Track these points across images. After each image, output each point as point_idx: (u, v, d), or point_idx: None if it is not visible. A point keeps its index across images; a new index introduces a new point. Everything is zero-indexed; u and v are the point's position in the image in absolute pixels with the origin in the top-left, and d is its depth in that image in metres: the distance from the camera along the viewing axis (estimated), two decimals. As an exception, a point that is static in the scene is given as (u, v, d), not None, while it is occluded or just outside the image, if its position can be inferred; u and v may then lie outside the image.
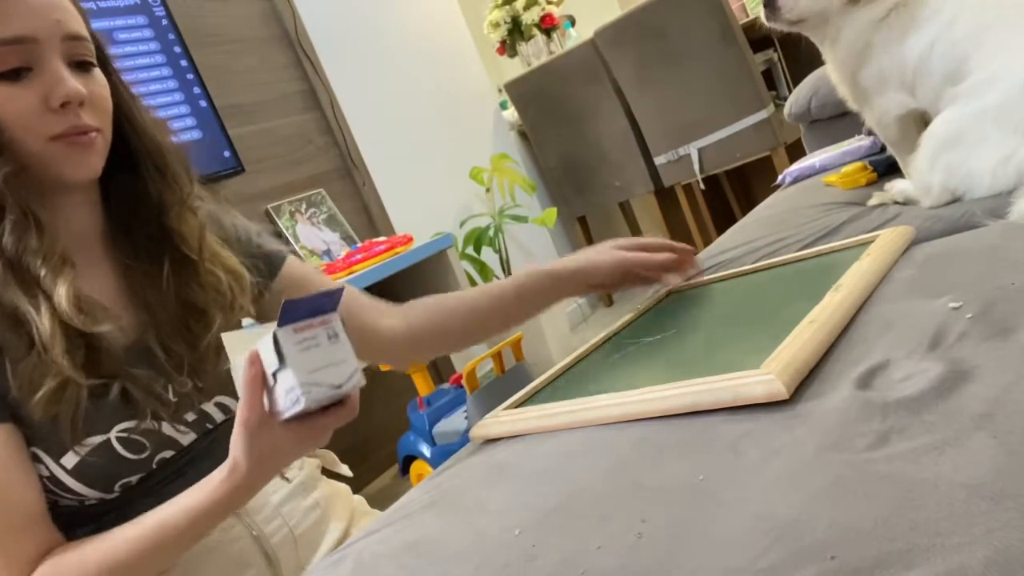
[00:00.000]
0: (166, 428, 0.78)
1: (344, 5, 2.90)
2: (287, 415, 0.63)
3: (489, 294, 1.05)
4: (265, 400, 0.64)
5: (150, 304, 0.80)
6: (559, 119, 3.30)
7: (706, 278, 1.07)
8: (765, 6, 1.20)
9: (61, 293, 0.70)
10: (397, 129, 2.96)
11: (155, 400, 0.77)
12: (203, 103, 2.22)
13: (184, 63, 2.20)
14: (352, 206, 2.70)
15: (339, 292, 0.63)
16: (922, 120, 1.17)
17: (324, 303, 0.62)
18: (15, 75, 0.70)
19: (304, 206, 2.50)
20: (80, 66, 0.75)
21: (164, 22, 2.17)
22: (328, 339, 0.62)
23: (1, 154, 0.70)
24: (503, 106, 3.56)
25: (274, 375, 0.62)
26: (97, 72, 0.77)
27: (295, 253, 2.33)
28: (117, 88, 0.80)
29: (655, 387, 0.67)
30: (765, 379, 0.59)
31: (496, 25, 3.50)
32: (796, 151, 2.40)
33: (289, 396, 0.62)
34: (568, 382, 0.85)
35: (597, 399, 0.71)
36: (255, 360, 0.62)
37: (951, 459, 0.45)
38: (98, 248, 0.81)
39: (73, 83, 0.72)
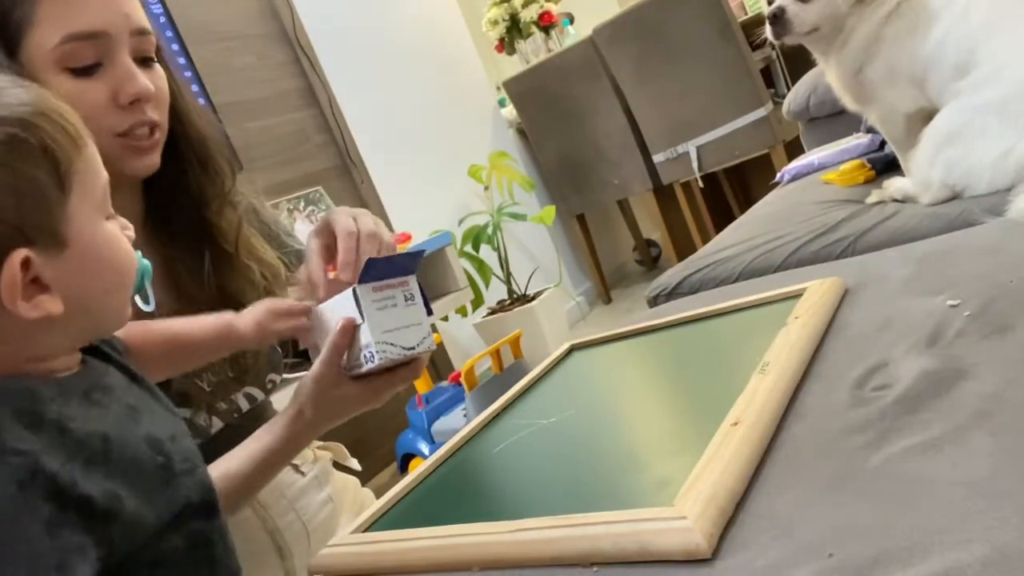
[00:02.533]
0: (200, 417, 0.78)
1: (342, 3, 2.89)
2: (360, 372, 0.65)
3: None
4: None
5: (191, 295, 0.80)
6: (558, 117, 3.29)
7: (615, 332, 0.97)
8: (771, 24, 1.20)
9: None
10: (395, 127, 2.95)
11: (196, 389, 0.78)
12: (201, 100, 2.22)
13: (182, 60, 2.20)
14: (350, 204, 2.67)
15: (420, 255, 0.65)
16: (929, 119, 1.17)
17: (404, 265, 0.65)
18: (87, 70, 0.70)
19: (302, 204, 2.50)
20: (143, 61, 0.74)
21: (162, 19, 2.16)
22: (405, 300, 0.64)
23: None
24: (502, 104, 3.55)
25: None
26: (158, 66, 0.77)
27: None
28: (170, 79, 0.80)
29: (541, 522, 0.54)
30: (680, 526, 0.47)
31: (494, 22, 3.50)
32: (795, 149, 2.40)
33: (363, 353, 0.64)
34: (442, 484, 0.72)
35: (467, 532, 0.58)
36: (348, 329, 0.65)
37: (949, 457, 0.45)
38: (140, 236, 0.81)
39: (143, 80, 0.72)
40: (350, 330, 0.65)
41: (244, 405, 0.84)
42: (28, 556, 0.41)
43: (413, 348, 0.64)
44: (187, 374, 0.76)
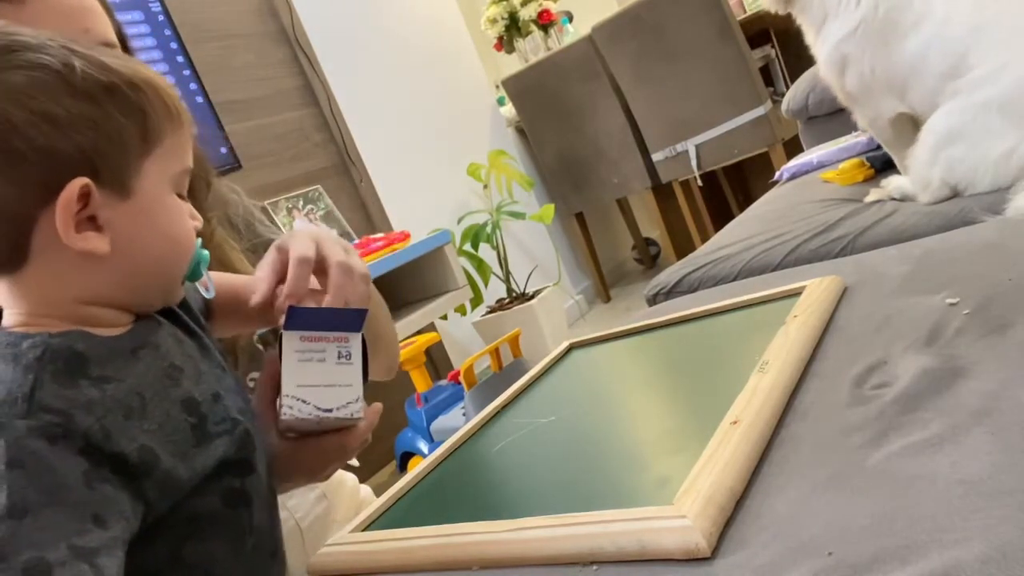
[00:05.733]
0: None
1: (341, 2, 2.89)
2: (281, 426, 0.59)
3: None
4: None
5: None
6: (557, 115, 3.29)
7: (614, 330, 0.95)
8: None
9: None
10: (394, 125, 2.95)
11: None
12: (199, 99, 2.21)
13: (180, 59, 2.19)
14: (349, 203, 2.70)
15: (363, 313, 0.59)
16: (915, 122, 1.17)
17: (348, 320, 0.58)
18: None
19: (301, 203, 2.50)
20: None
21: (160, 17, 2.16)
22: (337, 358, 0.57)
23: None
24: (501, 102, 3.55)
25: None
26: None
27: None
28: None
29: (541, 521, 0.54)
30: (679, 525, 0.47)
31: (493, 21, 3.49)
32: (794, 147, 2.40)
33: (279, 403, 0.58)
34: (441, 482, 0.72)
35: (467, 531, 0.57)
36: (272, 360, 0.59)
37: (948, 455, 0.45)
38: None
39: None
40: (273, 361, 0.58)
41: None
42: (68, 504, 0.42)
43: (330, 411, 0.57)
44: None
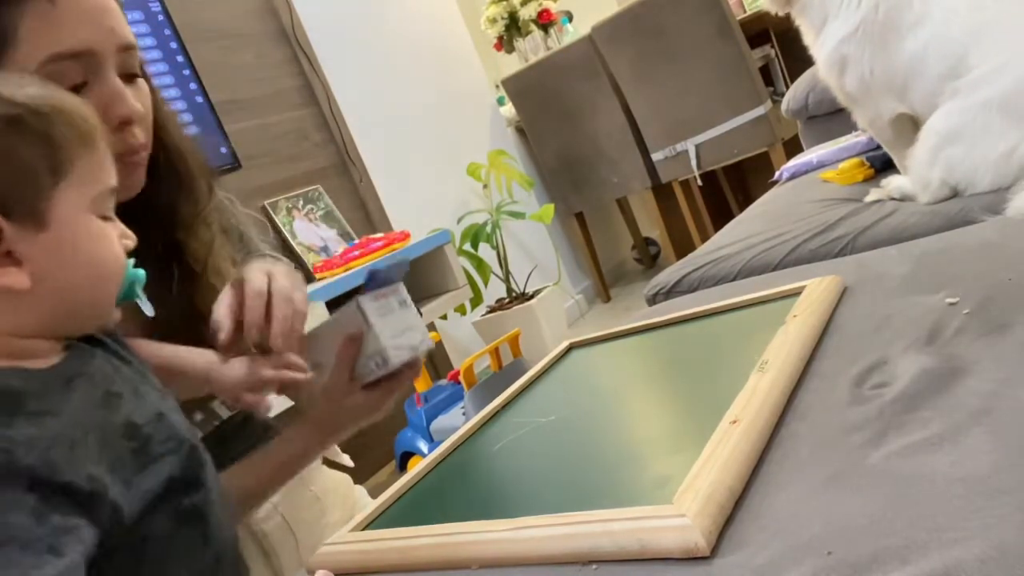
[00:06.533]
0: None
1: (341, 1, 2.89)
2: (370, 379, 0.68)
3: None
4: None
5: (156, 311, 0.79)
6: (556, 115, 3.29)
7: (614, 330, 0.96)
8: None
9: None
10: (394, 125, 2.95)
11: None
12: (199, 99, 2.21)
13: (180, 58, 2.19)
14: (349, 202, 2.69)
15: (407, 262, 0.69)
16: (914, 122, 1.17)
17: (393, 272, 0.68)
18: (72, 90, 0.65)
19: (301, 202, 2.50)
20: (128, 76, 0.71)
21: (160, 17, 2.16)
22: (399, 305, 0.68)
23: None
24: (500, 102, 3.55)
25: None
26: (142, 82, 0.74)
27: (291, 250, 2.33)
28: (152, 95, 0.77)
29: (540, 520, 0.54)
30: (679, 524, 0.46)
31: (493, 21, 3.49)
32: (793, 147, 2.40)
33: (372, 360, 0.67)
34: (441, 482, 0.73)
35: (466, 531, 0.58)
36: (356, 339, 0.67)
37: (948, 455, 0.45)
38: None
39: (132, 102, 0.69)
40: (358, 340, 0.67)
41: (223, 412, 0.82)
42: (21, 542, 0.42)
43: (417, 347, 0.68)
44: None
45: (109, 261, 0.54)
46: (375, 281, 0.67)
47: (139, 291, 0.58)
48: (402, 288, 0.69)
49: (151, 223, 0.79)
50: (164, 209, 0.79)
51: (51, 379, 0.49)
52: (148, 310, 0.60)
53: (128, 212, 0.79)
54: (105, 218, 0.54)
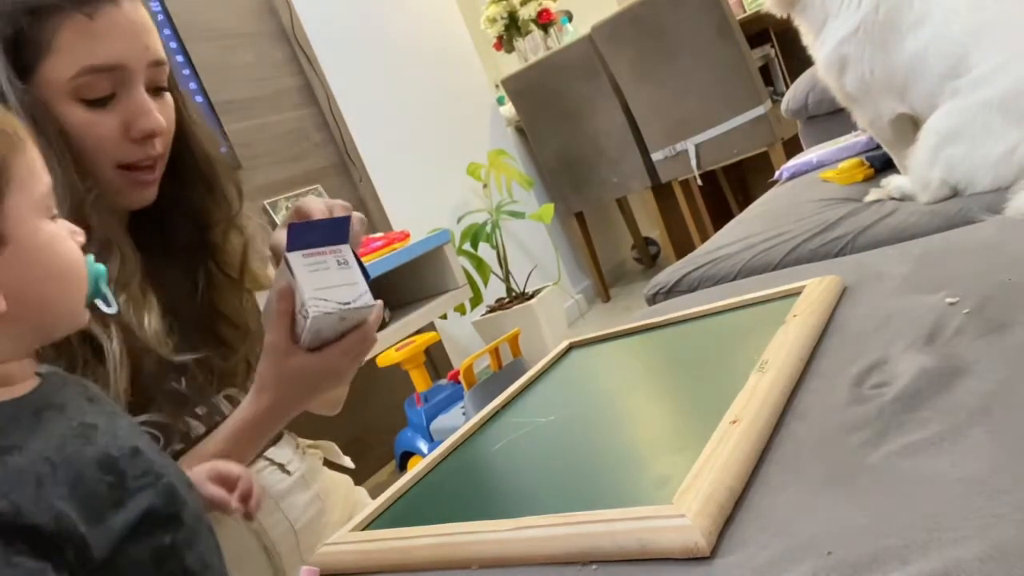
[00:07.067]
0: (179, 422, 0.78)
1: (341, 1, 2.89)
2: (304, 337, 0.66)
3: None
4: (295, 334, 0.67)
5: (178, 310, 0.79)
6: (556, 115, 3.29)
7: (613, 330, 0.96)
8: None
9: (151, 323, 0.70)
10: (394, 125, 2.95)
11: (172, 395, 0.76)
12: (199, 98, 2.21)
13: (180, 58, 2.19)
14: (349, 202, 2.69)
15: (346, 220, 0.67)
16: (914, 122, 1.17)
17: (332, 233, 0.67)
18: (101, 101, 0.69)
19: (301, 202, 2.50)
20: (155, 90, 0.73)
21: (160, 17, 2.16)
22: (338, 264, 0.67)
23: (86, 178, 0.68)
24: (500, 102, 3.55)
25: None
26: (168, 95, 0.75)
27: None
28: (179, 104, 0.79)
29: (540, 520, 0.54)
30: (679, 524, 0.46)
31: (493, 20, 3.49)
32: (793, 147, 2.39)
33: (300, 314, 0.65)
34: (441, 482, 0.73)
35: (466, 530, 0.58)
36: (285, 295, 0.66)
37: (948, 455, 0.45)
38: (124, 240, 0.81)
39: (157, 116, 0.71)
40: (288, 294, 0.66)
41: (225, 408, 0.82)
42: None
43: (348, 304, 0.65)
44: (164, 378, 0.75)
45: (72, 261, 0.53)
46: (301, 238, 0.65)
47: (103, 287, 0.56)
48: (346, 249, 0.68)
49: (178, 221, 0.80)
50: (194, 210, 0.81)
51: (18, 411, 0.48)
52: (111, 307, 0.58)
53: (154, 208, 0.80)
54: (52, 218, 0.53)
